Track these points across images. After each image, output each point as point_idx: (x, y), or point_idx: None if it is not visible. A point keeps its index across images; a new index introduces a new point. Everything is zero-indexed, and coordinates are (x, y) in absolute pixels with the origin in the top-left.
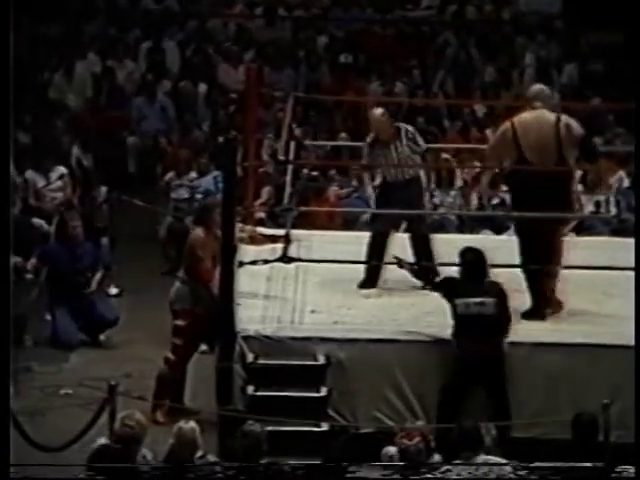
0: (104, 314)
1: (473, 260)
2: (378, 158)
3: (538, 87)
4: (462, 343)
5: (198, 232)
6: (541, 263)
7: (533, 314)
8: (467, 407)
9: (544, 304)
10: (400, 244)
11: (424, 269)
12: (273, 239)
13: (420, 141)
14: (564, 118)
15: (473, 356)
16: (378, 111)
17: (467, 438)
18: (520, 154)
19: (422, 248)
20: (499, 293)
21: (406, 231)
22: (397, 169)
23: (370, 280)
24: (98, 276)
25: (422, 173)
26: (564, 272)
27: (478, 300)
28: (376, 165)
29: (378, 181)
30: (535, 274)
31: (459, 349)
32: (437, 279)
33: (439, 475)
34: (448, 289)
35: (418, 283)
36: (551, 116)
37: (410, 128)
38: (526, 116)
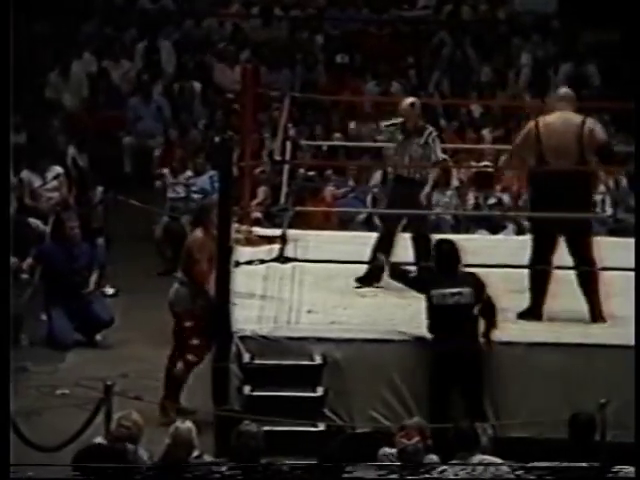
0: (99, 315)
1: (447, 251)
2: (398, 144)
3: (564, 90)
4: (439, 337)
5: (197, 233)
6: (549, 264)
7: (530, 314)
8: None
9: (542, 304)
10: (403, 245)
11: (398, 268)
12: (269, 240)
13: (437, 149)
14: (589, 122)
15: (451, 350)
16: (408, 100)
17: (463, 438)
18: (541, 155)
19: (423, 249)
20: (476, 283)
21: (405, 230)
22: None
23: (369, 279)
24: (95, 276)
25: (430, 179)
26: (562, 273)
27: (455, 290)
28: (373, 164)
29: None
30: (539, 274)
31: (436, 345)
32: (411, 275)
33: (436, 475)
34: (423, 282)
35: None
36: (577, 119)
37: (435, 134)
38: (551, 118)
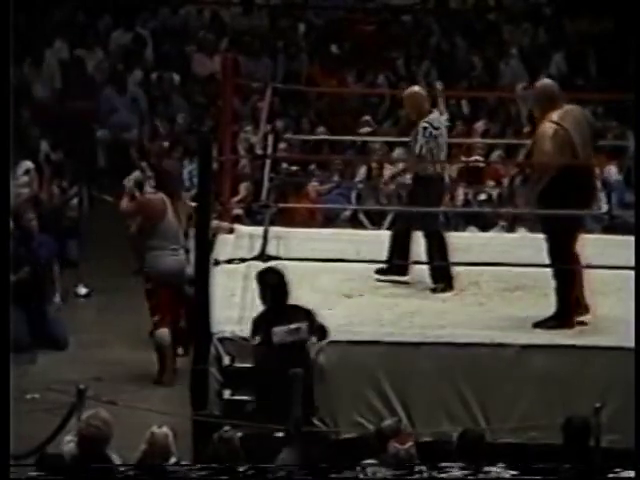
0: (54, 330)
1: (277, 282)
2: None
3: (551, 81)
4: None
5: (159, 196)
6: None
7: (558, 320)
8: None
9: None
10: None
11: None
12: None
13: (419, 140)
14: (586, 112)
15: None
16: (410, 89)
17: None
18: (574, 153)
19: (435, 246)
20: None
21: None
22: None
23: (390, 272)
24: (57, 269)
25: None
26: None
27: (294, 326)
28: (356, 161)
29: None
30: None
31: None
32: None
33: (426, 475)
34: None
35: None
36: (579, 108)
37: (423, 124)
38: (564, 113)
